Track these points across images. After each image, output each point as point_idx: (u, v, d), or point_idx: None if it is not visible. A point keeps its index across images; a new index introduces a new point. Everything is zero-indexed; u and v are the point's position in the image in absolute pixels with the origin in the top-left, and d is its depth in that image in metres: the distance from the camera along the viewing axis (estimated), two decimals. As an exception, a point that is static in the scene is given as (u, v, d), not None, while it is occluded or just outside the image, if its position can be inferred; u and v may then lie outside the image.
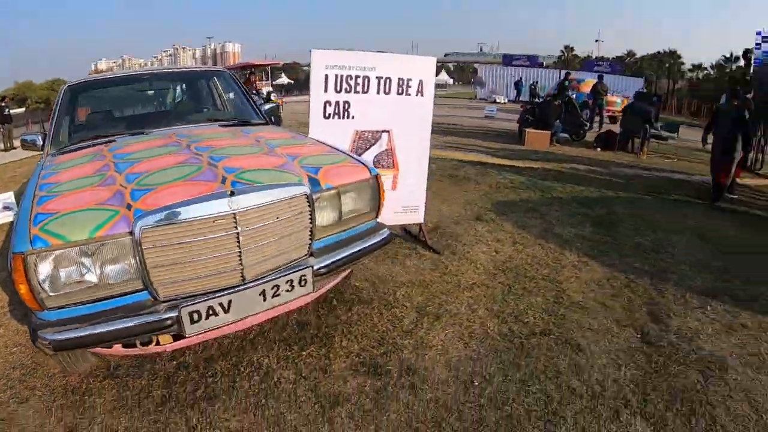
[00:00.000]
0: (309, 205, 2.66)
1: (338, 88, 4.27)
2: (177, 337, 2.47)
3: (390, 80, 4.44)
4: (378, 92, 4.42)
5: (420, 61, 4.65)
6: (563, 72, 22.64)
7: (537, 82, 29.63)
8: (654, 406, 3.23)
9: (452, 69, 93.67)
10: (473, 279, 4.55)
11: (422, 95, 4.64)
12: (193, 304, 2.30)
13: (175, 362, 3.01)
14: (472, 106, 26.65)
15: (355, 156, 3.27)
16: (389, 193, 4.62)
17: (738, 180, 8.58)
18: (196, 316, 2.31)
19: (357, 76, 4.31)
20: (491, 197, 7.60)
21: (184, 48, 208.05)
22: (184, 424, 2.52)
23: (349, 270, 3.62)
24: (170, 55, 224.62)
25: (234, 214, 2.34)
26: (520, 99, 26.75)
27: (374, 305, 3.83)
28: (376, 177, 3.10)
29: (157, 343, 2.49)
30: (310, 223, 2.68)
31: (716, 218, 7.40)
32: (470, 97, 39.66)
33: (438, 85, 72.66)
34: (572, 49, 74.65)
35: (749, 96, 8.68)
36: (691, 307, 4.63)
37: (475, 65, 45.23)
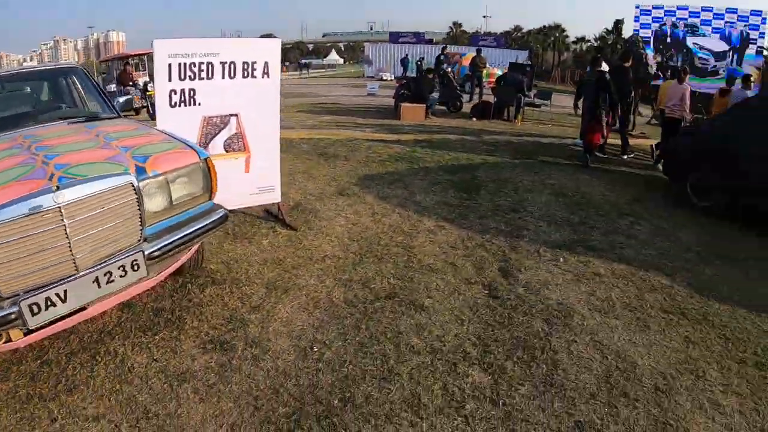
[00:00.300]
0: (135, 194, 2.81)
1: (182, 76, 4.36)
2: (29, 331, 2.61)
3: (234, 64, 4.56)
4: (223, 77, 4.54)
5: (264, 43, 4.85)
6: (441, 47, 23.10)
7: (423, 59, 30.12)
8: (494, 357, 3.34)
9: (343, 49, 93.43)
10: (326, 251, 4.65)
11: (268, 77, 4.78)
12: (32, 296, 2.45)
13: (39, 361, 3.10)
14: (358, 84, 26.75)
15: (187, 141, 3.41)
16: (243, 175, 4.92)
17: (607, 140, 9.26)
18: (35, 309, 2.46)
19: (201, 63, 4.41)
20: (358, 172, 7.63)
21: (65, 40, 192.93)
22: (47, 417, 2.64)
23: (191, 253, 3.65)
24: (51, 48, 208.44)
25: (59, 208, 2.49)
26: (407, 75, 27.10)
27: (226, 285, 3.95)
28: (206, 160, 3.25)
29: (9, 340, 2.59)
30: (139, 210, 2.84)
31: (582, 177, 7.95)
32: (358, 75, 39.78)
33: (328, 65, 72.53)
34: (460, 25, 77.32)
35: (627, 65, 9.55)
36: (544, 261, 4.87)
37: (365, 44, 45.31)
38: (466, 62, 19.44)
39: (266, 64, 4.74)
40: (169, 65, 4.31)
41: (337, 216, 5.72)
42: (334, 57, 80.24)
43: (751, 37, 16.08)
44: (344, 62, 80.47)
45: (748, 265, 5.18)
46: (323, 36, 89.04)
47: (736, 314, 4.16)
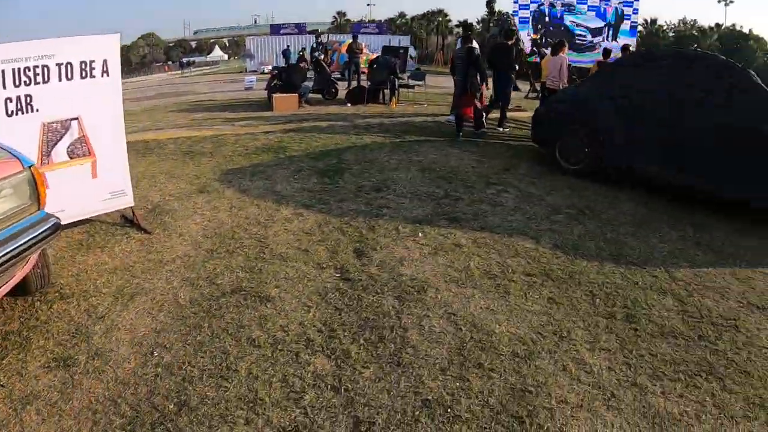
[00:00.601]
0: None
1: (17, 83, 4.15)
2: None
3: (71, 65, 4.37)
4: (60, 79, 4.34)
5: (102, 40, 4.63)
6: (323, 35, 22.78)
7: (305, 49, 29.64)
8: (339, 342, 3.18)
9: (227, 44, 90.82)
10: (177, 252, 4.47)
11: (108, 75, 4.62)
12: None
13: None
14: (238, 79, 25.98)
15: (11, 150, 3.25)
16: (91, 181, 4.73)
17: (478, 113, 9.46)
18: None
19: (36, 67, 4.21)
20: (222, 168, 7.20)
21: None
22: None
23: (27, 268, 3.43)
24: None
25: None
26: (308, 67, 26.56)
27: (74, 299, 3.73)
28: (31, 168, 3.12)
29: None
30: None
31: (452, 152, 8.04)
32: (241, 70, 38.81)
33: (212, 62, 70.10)
34: (345, 14, 77.38)
35: (510, 42, 10.10)
36: (402, 237, 4.80)
37: (246, 38, 44.27)
38: (345, 49, 19.15)
39: (105, 62, 4.58)
40: (2, 72, 4.06)
41: (194, 214, 5.37)
42: (218, 53, 77.75)
43: (626, 13, 17.15)
44: (228, 58, 78.21)
45: (618, 222, 5.43)
46: (194, 33, 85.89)
47: (605, 269, 4.28)
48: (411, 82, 14.42)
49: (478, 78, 8.99)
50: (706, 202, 5.97)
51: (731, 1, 57.02)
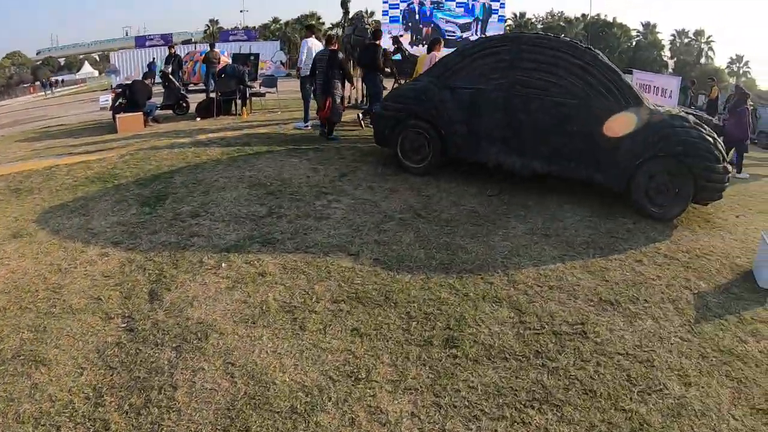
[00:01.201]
0: None
1: None
2: None
3: None
4: None
5: None
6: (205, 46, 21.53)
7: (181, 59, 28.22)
8: (103, 410, 2.84)
9: (98, 59, 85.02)
10: None
11: None
12: None
13: None
14: (95, 98, 24.17)
15: None
16: None
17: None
18: None
19: None
20: (44, 205, 6.49)
21: None
22: None
23: None
24: None
25: None
26: (155, 81, 24.97)
27: None
28: None
29: None
30: None
31: (289, 162, 7.64)
32: (106, 87, 36.38)
33: (82, 79, 65.02)
34: (217, 22, 74.89)
35: (378, 42, 10.15)
36: (204, 270, 4.46)
37: (110, 53, 41.70)
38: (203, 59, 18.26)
39: None
40: None
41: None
42: (87, 70, 72.29)
43: (493, 8, 17.67)
44: (99, 74, 73.05)
45: (459, 221, 5.37)
46: (37, 53, 79.89)
47: (431, 283, 4.09)
48: (262, 89, 13.92)
49: (341, 80, 9.00)
50: (562, 189, 6.16)
51: (595, -8, 60.80)
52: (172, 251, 4.79)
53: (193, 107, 12.88)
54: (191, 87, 20.17)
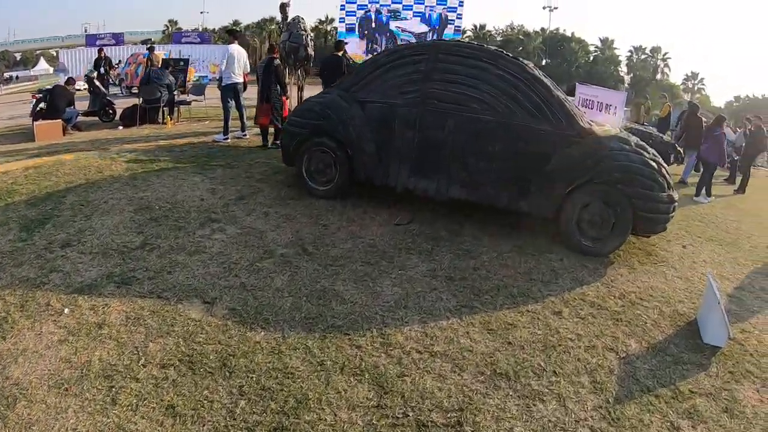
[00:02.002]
0: None
1: None
2: None
3: None
4: None
5: None
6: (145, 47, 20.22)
7: (120, 61, 26.79)
8: None
9: (56, 55, 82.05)
10: None
11: None
12: None
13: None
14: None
15: None
16: None
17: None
18: None
19: None
20: None
21: None
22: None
23: None
24: None
25: None
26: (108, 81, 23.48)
27: None
28: None
29: None
30: None
31: (191, 180, 6.67)
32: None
33: (35, 76, 62.05)
34: (176, 22, 73.71)
35: (340, 53, 9.68)
36: (47, 315, 3.62)
37: (59, 50, 40.05)
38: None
39: None
40: None
41: None
42: (43, 66, 69.28)
43: (449, 18, 17.13)
44: (53, 71, 70.19)
45: (351, 258, 4.63)
46: (18, 43, 76.93)
47: (285, 344, 3.35)
48: (189, 97, 12.88)
49: (279, 88, 8.77)
50: (486, 217, 5.52)
51: (555, 8, 60.77)
52: (26, 289, 3.94)
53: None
54: (135, 90, 18.91)
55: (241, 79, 9.37)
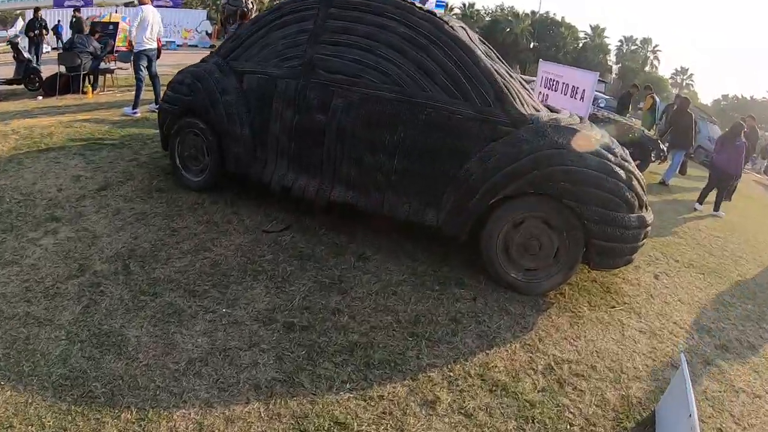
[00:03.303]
0: None
1: None
2: None
3: None
4: None
5: None
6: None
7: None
8: None
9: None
10: None
11: None
12: None
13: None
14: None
15: None
16: None
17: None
18: None
19: None
20: None
21: None
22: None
23: None
24: None
25: None
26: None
27: None
28: None
29: None
30: None
31: (69, 164, 5.20)
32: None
33: (2, 38, 59.37)
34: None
35: None
36: None
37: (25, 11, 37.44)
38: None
39: None
40: None
41: None
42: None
43: None
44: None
45: (169, 287, 3.23)
46: None
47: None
48: (113, 65, 11.17)
49: None
50: (390, 227, 3.98)
51: (546, -9, 58.05)
52: None
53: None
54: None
55: (154, 45, 7.77)
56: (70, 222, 3.95)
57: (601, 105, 13.84)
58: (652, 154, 8.94)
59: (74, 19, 15.31)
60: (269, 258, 3.66)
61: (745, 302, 4.19)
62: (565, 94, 5.83)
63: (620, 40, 58.91)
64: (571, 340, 3.10)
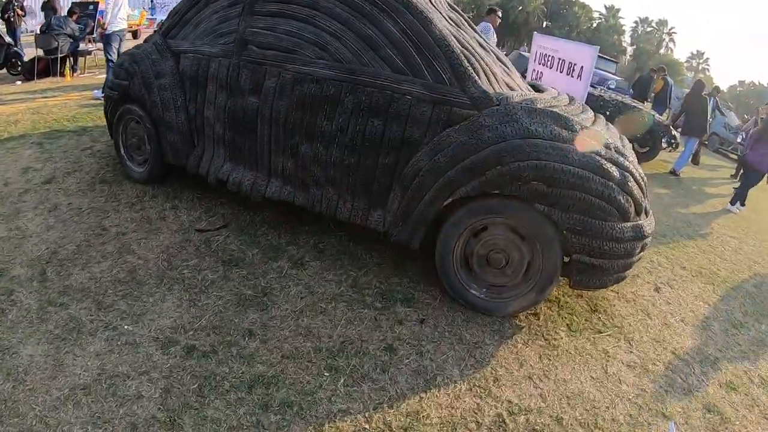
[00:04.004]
0: None
1: None
2: None
3: None
4: None
5: None
6: None
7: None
8: None
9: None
10: None
11: None
12: None
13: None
14: None
15: None
16: None
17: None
18: None
19: None
20: None
21: None
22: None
23: None
24: None
25: None
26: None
27: None
28: None
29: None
30: None
31: (20, 153, 4.74)
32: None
33: None
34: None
35: None
36: None
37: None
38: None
39: None
40: None
41: None
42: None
43: None
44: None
45: (86, 293, 2.76)
46: None
47: None
48: (92, 46, 10.61)
49: None
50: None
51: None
52: None
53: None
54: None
55: (125, 25, 7.12)
56: (6, 220, 3.49)
57: (611, 86, 12.90)
58: (663, 141, 8.09)
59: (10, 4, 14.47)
60: (193, 263, 3.06)
61: (759, 321, 3.46)
62: (561, 72, 5.06)
63: (635, 22, 57.01)
64: (537, 380, 2.42)
